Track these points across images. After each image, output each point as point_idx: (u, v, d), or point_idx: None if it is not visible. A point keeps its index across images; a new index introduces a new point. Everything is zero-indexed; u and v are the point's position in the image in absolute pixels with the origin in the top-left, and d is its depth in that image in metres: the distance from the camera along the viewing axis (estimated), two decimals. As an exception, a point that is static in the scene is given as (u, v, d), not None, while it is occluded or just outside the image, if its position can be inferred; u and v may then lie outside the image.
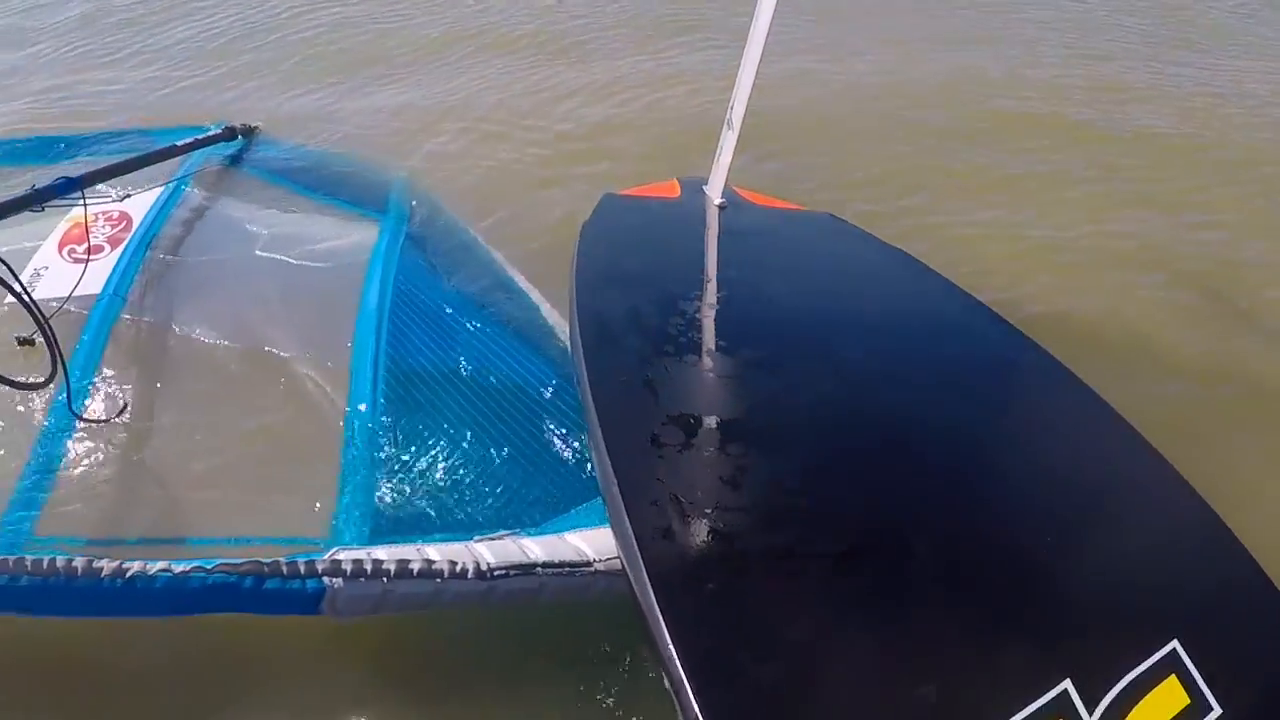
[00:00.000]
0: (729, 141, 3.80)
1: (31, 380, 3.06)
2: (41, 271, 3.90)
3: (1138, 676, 2.11)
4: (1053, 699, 2.02)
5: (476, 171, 5.23)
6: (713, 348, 3.06)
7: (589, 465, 2.93)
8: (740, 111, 3.67)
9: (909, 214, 4.89)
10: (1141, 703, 2.07)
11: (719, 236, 3.85)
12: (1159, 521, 2.60)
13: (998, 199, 5.11)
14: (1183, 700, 2.08)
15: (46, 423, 3.28)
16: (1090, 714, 2.02)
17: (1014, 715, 1.98)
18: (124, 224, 4.23)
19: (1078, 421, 2.92)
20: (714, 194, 3.98)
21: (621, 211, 4.03)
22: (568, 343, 3.13)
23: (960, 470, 2.67)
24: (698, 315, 3.25)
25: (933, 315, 3.46)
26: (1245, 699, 2.11)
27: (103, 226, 4.14)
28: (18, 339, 3.45)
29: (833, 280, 3.73)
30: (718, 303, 3.35)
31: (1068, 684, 2.05)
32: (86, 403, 3.34)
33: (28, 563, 2.51)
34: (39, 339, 3.27)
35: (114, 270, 3.93)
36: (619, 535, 2.29)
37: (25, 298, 3.02)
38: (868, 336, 3.25)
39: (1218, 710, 2.08)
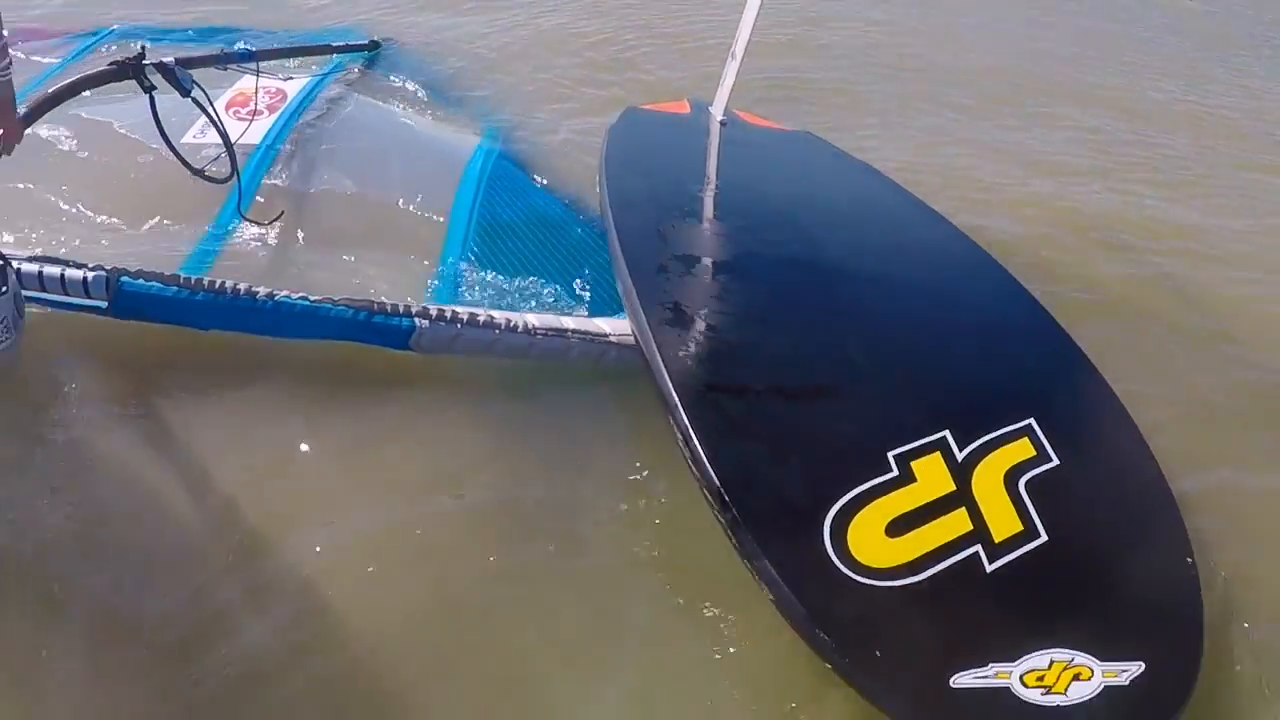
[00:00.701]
0: (731, 69, 3.87)
1: (213, 179, 3.17)
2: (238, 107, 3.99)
3: (999, 435, 2.26)
4: (936, 439, 2.17)
5: (543, 86, 5.26)
6: (708, 215, 3.23)
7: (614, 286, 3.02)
8: (742, 45, 3.74)
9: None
10: (999, 450, 2.21)
11: (719, 144, 3.91)
12: (1037, 346, 2.80)
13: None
14: (1030, 453, 2.23)
15: (216, 217, 3.35)
16: (960, 451, 2.15)
17: (909, 443, 2.12)
18: (280, 96, 4.26)
19: (974, 272, 3.08)
20: (717, 112, 4.05)
21: (642, 120, 4.11)
22: (599, 206, 3.25)
23: (882, 296, 2.81)
24: (698, 194, 3.41)
25: (870, 201, 3.64)
26: (1075, 457, 2.25)
27: (263, 96, 4.18)
28: (191, 169, 3.48)
29: (804, 177, 3.84)
30: (714, 187, 3.50)
31: (947, 432, 2.19)
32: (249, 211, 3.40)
33: (205, 281, 2.63)
34: (210, 170, 3.33)
35: (271, 128, 3.96)
36: (634, 317, 2.50)
37: (217, 121, 3.13)
38: (821, 214, 3.40)
39: (1055, 461, 2.22)
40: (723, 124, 4.01)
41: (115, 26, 5.37)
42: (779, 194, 3.53)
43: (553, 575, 2.26)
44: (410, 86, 4.98)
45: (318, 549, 2.26)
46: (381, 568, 2.24)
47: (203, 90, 3.13)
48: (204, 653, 2.01)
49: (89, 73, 3.16)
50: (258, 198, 3.52)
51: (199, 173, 3.14)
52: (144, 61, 3.06)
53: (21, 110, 2.71)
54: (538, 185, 3.97)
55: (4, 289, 2.37)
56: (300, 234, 3.37)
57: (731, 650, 2.07)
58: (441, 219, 3.51)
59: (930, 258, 3.18)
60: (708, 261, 2.90)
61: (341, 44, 5.17)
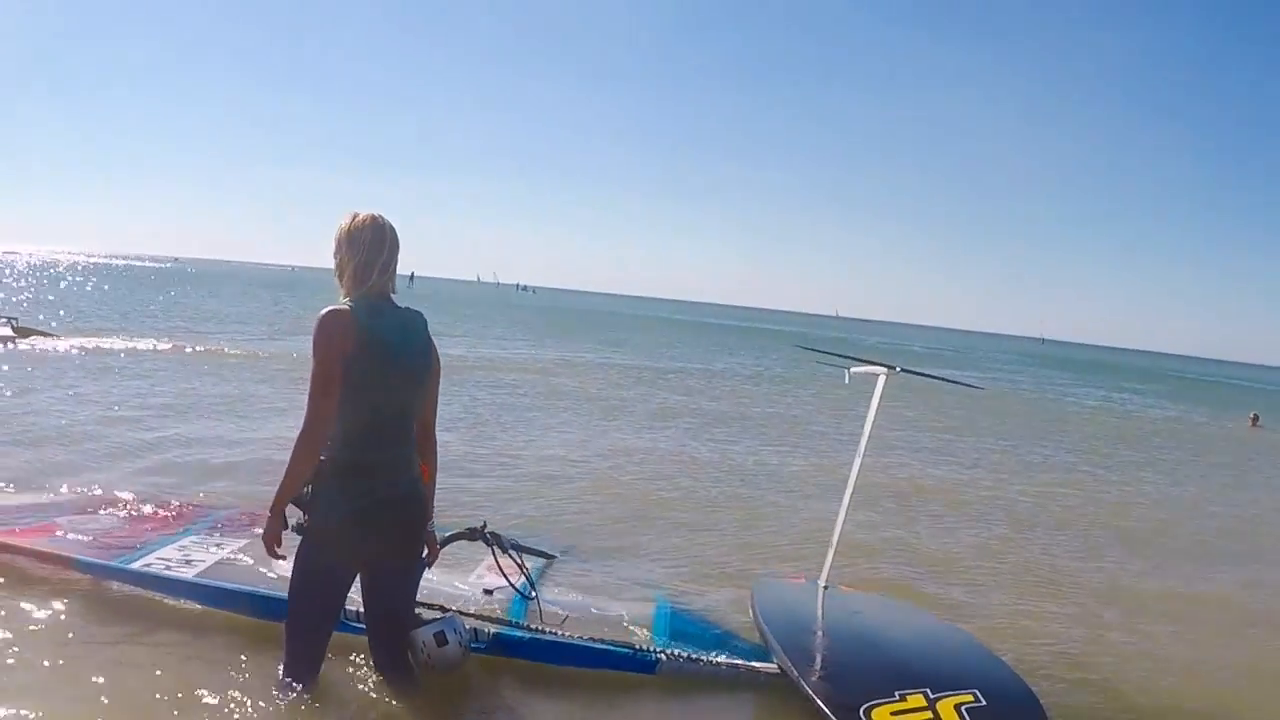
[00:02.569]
0: (829, 557, 6.75)
1: (528, 593, 5.91)
2: (489, 569, 6.59)
3: (956, 690, 4.77)
4: (921, 689, 4.75)
5: (692, 564, 8.18)
6: (805, 643, 5.85)
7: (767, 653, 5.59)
8: (835, 539, 6.69)
9: None
10: (954, 695, 4.71)
11: (822, 602, 6.66)
12: (989, 673, 5.35)
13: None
14: (971, 699, 4.71)
15: (510, 607, 5.95)
16: (933, 695, 4.68)
17: (906, 689, 4.75)
18: (521, 571, 6.77)
19: (966, 650, 5.88)
20: (821, 583, 6.83)
21: (773, 586, 7.02)
22: (754, 619, 6.03)
23: (903, 645, 5.72)
24: (799, 621, 6.22)
25: (895, 616, 6.73)
26: (997, 702, 4.76)
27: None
28: (484, 590, 6.21)
29: (861, 617, 6.56)
30: (809, 626, 6.27)
31: (928, 688, 4.75)
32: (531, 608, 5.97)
33: (544, 630, 5.43)
34: (495, 591, 6.04)
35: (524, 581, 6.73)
36: (778, 657, 5.24)
37: (520, 562, 6.00)
38: (881, 649, 6.06)
39: (984, 703, 4.70)
40: (825, 588, 6.79)
41: None
42: (849, 622, 6.37)
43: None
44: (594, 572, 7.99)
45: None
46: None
47: (516, 547, 6.04)
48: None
49: (457, 532, 5.98)
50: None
51: (511, 584, 5.90)
52: (486, 530, 5.96)
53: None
54: (694, 615, 6.70)
55: (453, 616, 5.10)
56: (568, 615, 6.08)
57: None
58: (650, 608, 6.33)
59: (931, 635, 6.13)
60: (804, 642, 5.67)
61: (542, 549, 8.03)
